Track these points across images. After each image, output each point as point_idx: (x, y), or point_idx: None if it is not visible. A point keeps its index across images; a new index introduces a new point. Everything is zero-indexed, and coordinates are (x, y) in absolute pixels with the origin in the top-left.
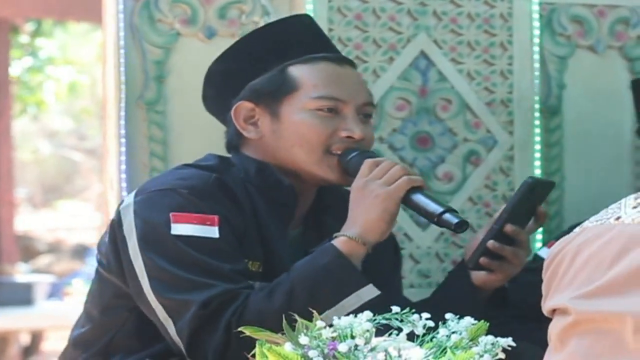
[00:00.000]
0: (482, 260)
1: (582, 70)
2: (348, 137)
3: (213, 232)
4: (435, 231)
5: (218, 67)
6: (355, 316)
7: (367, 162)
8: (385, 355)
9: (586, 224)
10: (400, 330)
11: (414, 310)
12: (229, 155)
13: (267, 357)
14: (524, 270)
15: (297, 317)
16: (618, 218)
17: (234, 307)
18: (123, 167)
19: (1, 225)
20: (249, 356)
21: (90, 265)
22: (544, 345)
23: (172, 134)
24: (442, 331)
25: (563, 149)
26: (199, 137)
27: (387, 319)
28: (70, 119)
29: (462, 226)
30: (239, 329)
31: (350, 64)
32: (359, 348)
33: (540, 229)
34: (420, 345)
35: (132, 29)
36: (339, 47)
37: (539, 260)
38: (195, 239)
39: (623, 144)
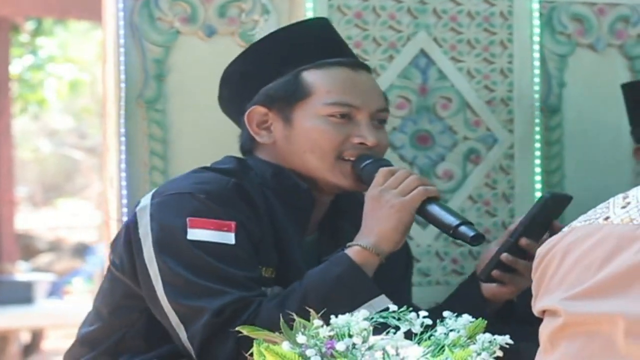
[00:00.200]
0: (495, 272)
1: (582, 69)
2: (361, 143)
3: (229, 238)
4: (435, 229)
5: (234, 69)
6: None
7: (382, 171)
8: (383, 354)
9: (574, 223)
10: (397, 328)
11: None
12: (245, 158)
13: (264, 356)
14: None
15: (294, 316)
16: (607, 218)
17: (246, 316)
18: (123, 165)
19: (1, 223)
20: (247, 355)
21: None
22: None
23: (171, 133)
24: (440, 329)
25: (563, 147)
26: (198, 135)
27: (384, 318)
28: (70, 118)
29: (478, 239)
30: (237, 328)
31: (366, 68)
32: (356, 347)
33: None
34: (418, 343)
35: (132, 28)
36: None
37: None
38: (211, 244)
39: (623, 142)
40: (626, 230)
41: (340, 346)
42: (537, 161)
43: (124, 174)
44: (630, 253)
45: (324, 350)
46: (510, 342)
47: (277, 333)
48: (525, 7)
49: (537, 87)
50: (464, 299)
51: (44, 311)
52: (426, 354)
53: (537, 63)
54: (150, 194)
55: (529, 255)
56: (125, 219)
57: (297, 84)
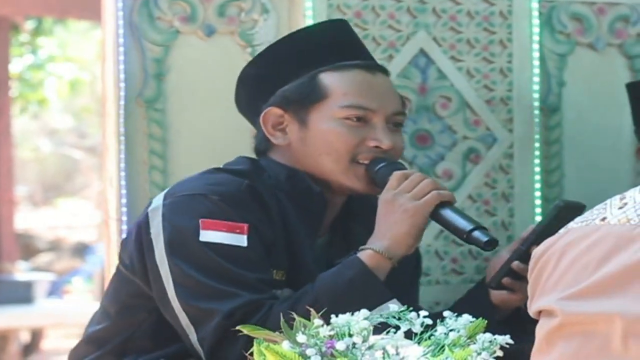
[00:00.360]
0: (505, 280)
1: (582, 68)
2: (376, 146)
3: (242, 240)
4: (434, 229)
5: (251, 69)
6: (353, 314)
7: (396, 175)
8: (383, 353)
9: (571, 224)
10: (397, 328)
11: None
12: (258, 159)
13: (265, 355)
14: None
15: (295, 315)
16: (604, 219)
17: (257, 318)
18: (122, 164)
19: (1, 223)
20: (247, 355)
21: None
22: None
23: (171, 132)
24: (440, 329)
25: (563, 147)
26: (198, 134)
27: (384, 317)
28: (70, 117)
29: (492, 244)
30: (237, 327)
31: (383, 71)
32: (356, 346)
33: None
34: (418, 343)
35: (132, 27)
36: None
37: None
38: (223, 246)
39: (623, 141)
40: (623, 231)
41: (340, 345)
42: (537, 160)
43: (123, 174)
44: (628, 253)
45: (324, 349)
46: (511, 341)
47: (277, 332)
48: (524, 7)
49: (536, 87)
50: (472, 305)
51: (43, 311)
52: (426, 353)
53: (536, 62)
54: (163, 194)
55: None
56: (125, 218)
57: (313, 85)
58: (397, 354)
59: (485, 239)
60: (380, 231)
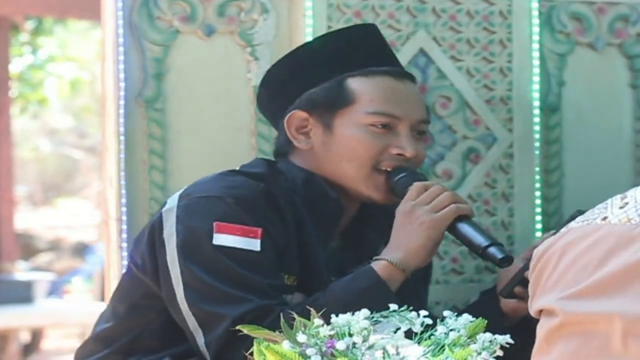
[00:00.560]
0: (516, 289)
1: (582, 68)
2: (399, 154)
3: (255, 244)
4: None
5: (276, 71)
6: (353, 314)
7: (416, 186)
8: (383, 353)
9: (572, 224)
10: (398, 327)
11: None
12: (275, 160)
13: (265, 355)
14: None
15: (295, 315)
16: (605, 218)
17: (266, 324)
18: (122, 164)
19: (1, 223)
20: (247, 355)
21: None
22: None
23: (171, 132)
24: (440, 329)
25: (562, 147)
26: (198, 134)
27: (385, 317)
28: (70, 117)
29: (507, 261)
30: (237, 327)
31: (410, 78)
32: (356, 346)
33: (539, 226)
34: (419, 342)
35: (131, 27)
36: None
37: None
38: (236, 250)
39: (623, 141)
40: (624, 230)
41: (340, 345)
42: (537, 160)
43: (123, 173)
44: (628, 253)
45: (324, 349)
46: (511, 341)
47: (277, 332)
48: (524, 6)
49: (536, 86)
50: (481, 312)
51: (43, 310)
52: (426, 353)
53: (536, 62)
54: (178, 194)
55: None
56: (124, 218)
57: (341, 90)
58: (398, 353)
59: (500, 256)
60: (395, 242)
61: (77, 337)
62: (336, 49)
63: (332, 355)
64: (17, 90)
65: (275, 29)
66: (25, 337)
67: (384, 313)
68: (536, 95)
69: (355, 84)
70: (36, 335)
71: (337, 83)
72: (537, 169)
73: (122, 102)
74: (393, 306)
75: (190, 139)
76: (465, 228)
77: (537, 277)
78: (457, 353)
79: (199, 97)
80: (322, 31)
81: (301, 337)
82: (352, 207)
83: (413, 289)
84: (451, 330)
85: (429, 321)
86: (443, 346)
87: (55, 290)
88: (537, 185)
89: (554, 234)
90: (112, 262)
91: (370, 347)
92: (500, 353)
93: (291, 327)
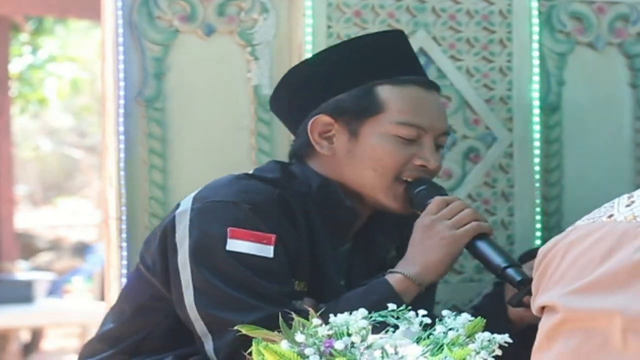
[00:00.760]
0: (526, 298)
1: (582, 67)
2: (422, 165)
3: (268, 251)
4: None
5: (301, 72)
6: (351, 314)
7: (437, 200)
8: (382, 353)
9: (579, 222)
10: (396, 327)
11: None
12: (289, 162)
13: (263, 355)
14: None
15: (293, 315)
16: (610, 216)
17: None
18: (122, 164)
19: (1, 222)
20: (247, 355)
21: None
22: None
23: (171, 131)
24: (439, 328)
25: (562, 146)
26: (197, 134)
27: (383, 317)
28: (70, 116)
29: (525, 283)
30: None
31: (437, 89)
32: (355, 345)
33: (539, 226)
34: (417, 342)
35: (131, 26)
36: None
37: None
38: (249, 257)
39: (623, 140)
40: (629, 227)
41: (338, 345)
42: (537, 160)
43: (123, 173)
44: (630, 250)
45: (322, 349)
46: (510, 340)
47: (275, 332)
48: (524, 6)
49: (536, 86)
50: (489, 318)
51: (43, 310)
52: (425, 352)
53: (536, 61)
54: (191, 197)
55: None
56: (124, 217)
57: (370, 98)
58: (396, 353)
59: (519, 278)
60: (413, 255)
61: (78, 336)
62: (365, 55)
63: (331, 355)
64: (17, 90)
65: (275, 28)
66: (25, 336)
67: (382, 313)
68: (536, 94)
69: (385, 92)
70: (36, 334)
71: (366, 91)
72: (537, 168)
73: (122, 101)
74: (392, 306)
75: (190, 139)
76: (484, 247)
77: (541, 274)
78: (455, 352)
79: (199, 97)
80: (322, 31)
81: (299, 337)
82: (365, 213)
83: (424, 296)
84: (450, 329)
85: (428, 320)
86: (442, 345)
87: (55, 289)
88: (537, 184)
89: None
90: (112, 262)
91: (368, 347)
92: (499, 352)
93: (290, 326)
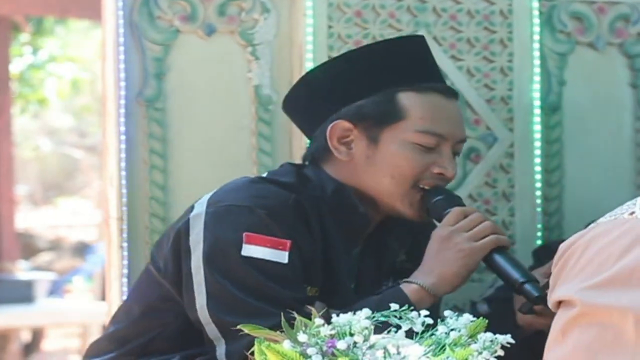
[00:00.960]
0: (537, 306)
1: (582, 67)
2: (439, 173)
3: (283, 257)
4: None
5: (320, 75)
6: (354, 314)
7: (455, 211)
8: (384, 353)
9: (601, 219)
10: (399, 327)
11: None
12: (303, 164)
13: (266, 354)
14: None
15: (295, 314)
16: (632, 213)
17: None
18: (123, 164)
19: (1, 222)
20: (248, 354)
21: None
22: None
23: (171, 131)
24: (441, 328)
25: (563, 146)
26: (198, 134)
27: (385, 317)
28: (70, 116)
29: (543, 300)
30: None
31: (456, 96)
32: (357, 345)
33: (540, 226)
34: (419, 342)
35: (132, 26)
36: (338, 44)
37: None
38: (264, 262)
39: (623, 140)
40: None
41: (341, 345)
42: (537, 160)
43: (124, 173)
44: None
45: (325, 348)
46: (512, 341)
47: (278, 332)
48: (525, 6)
49: (537, 86)
50: (497, 323)
51: (44, 310)
52: (427, 353)
53: (537, 61)
54: (206, 200)
55: None
56: (125, 217)
57: (391, 105)
58: (398, 353)
59: (536, 294)
60: (429, 266)
61: (78, 336)
62: (386, 61)
63: (333, 354)
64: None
65: (276, 28)
66: (26, 336)
67: (385, 312)
68: (537, 94)
69: (407, 99)
70: (37, 334)
71: (388, 97)
72: (538, 168)
73: (122, 101)
74: (394, 306)
75: (190, 139)
76: (501, 260)
77: (559, 269)
78: (458, 353)
79: (200, 97)
80: (323, 31)
81: (302, 337)
82: (377, 219)
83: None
84: (452, 329)
85: (430, 321)
86: (444, 346)
87: (56, 289)
88: (538, 184)
89: None
90: (112, 262)
91: (371, 347)
92: (501, 353)
93: (292, 326)
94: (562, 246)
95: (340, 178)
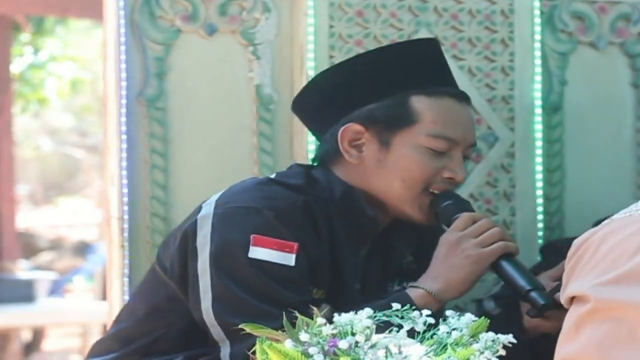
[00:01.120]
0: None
1: (584, 67)
2: (450, 178)
3: (290, 259)
4: None
5: (332, 76)
6: (356, 313)
7: (465, 216)
8: (386, 352)
9: (615, 216)
10: (400, 327)
11: None
12: (312, 165)
13: (267, 354)
14: None
15: (297, 314)
16: None
17: None
18: (124, 163)
19: (2, 222)
20: (250, 354)
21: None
22: None
23: (172, 131)
24: (443, 328)
25: (564, 146)
26: (199, 133)
27: (387, 316)
28: (71, 116)
29: (548, 308)
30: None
31: (468, 100)
32: (359, 345)
33: (541, 225)
34: (421, 342)
35: (133, 26)
36: (339, 44)
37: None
38: (270, 264)
39: (624, 140)
40: None
41: (343, 344)
42: (538, 159)
43: (124, 172)
44: None
45: (326, 348)
46: (514, 340)
47: (280, 331)
48: (526, 5)
49: (538, 85)
50: (504, 326)
51: (45, 310)
52: (429, 352)
53: (538, 61)
54: (213, 201)
55: None
56: (126, 217)
57: (404, 109)
58: (400, 352)
59: (542, 302)
60: (436, 271)
61: (79, 336)
62: (399, 64)
63: (335, 354)
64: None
65: (277, 28)
66: (26, 336)
67: (386, 312)
68: (538, 94)
69: (419, 103)
70: (37, 334)
71: (400, 101)
72: (539, 168)
73: (123, 101)
74: (396, 305)
75: (191, 138)
76: (509, 267)
77: (573, 264)
78: (459, 352)
79: (201, 96)
80: (324, 30)
81: (304, 336)
82: (386, 221)
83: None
84: (453, 329)
85: (432, 320)
86: (445, 345)
87: (56, 289)
88: (539, 184)
89: None
90: (113, 261)
91: (372, 346)
92: (502, 352)
93: (294, 326)
94: (575, 242)
95: (350, 181)
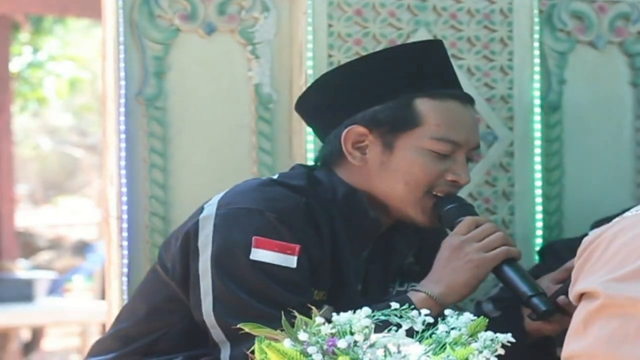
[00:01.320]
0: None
1: (583, 66)
2: (453, 181)
3: (291, 261)
4: None
5: (337, 77)
6: (354, 312)
7: (468, 220)
8: (385, 352)
9: (626, 214)
10: (399, 326)
11: None
12: (314, 166)
13: (266, 353)
14: None
15: (295, 313)
16: None
17: None
18: (123, 163)
19: (2, 221)
20: (249, 353)
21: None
22: None
23: (171, 130)
24: (442, 327)
25: (563, 145)
26: (198, 132)
27: (386, 315)
28: (70, 115)
29: (550, 314)
30: (238, 325)
31: (472, 103)
32: (358, 344)
33: (540, 225)
34: (420, 341)
35: (132, 25)
36: (338, 43)
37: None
38: (272, 266)
39: (623, 139)
40: None
41: (341, 343)
42: (537, 158)
43: (124, 172)
44: None
45: (325, 347)
46: (513, 340)
47: (278, 330)
48: (525, 4)
49: (537, 85)
50: (505, 329)
51: (44, 309)
52: (427, 352)
53: (537, 60)
54: (215, 202)
55: None
56: (125, 216)
57: (408, 112)
58: (399, 352)
59: (544, 308)
60: (437, 275)
61: (78, 335)
62: (404, 66)
63: (334, 353)
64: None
65: (276, 27)
66: (25, 335)
67: (386, 311)
68: (537, 93)
69: (423, 106)
70: (37, 333)
71: (404, 104)
72: (538, 167)
73: (122, 100)
74: (394, 305)
75: (190, 137)
76: (511, 272)
77: (583, 262)
78: (458, 351)
79: (200, 96)
80: (323, 29)
81: (302, 336)
82: (388, 223)
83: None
84: (452, 328)
85: (430, 319)
86: (444, 345)
87: (55, 288)
88: (538, 183)
89: None
90: (112, 261)
91: (371, 346)
92: (501, 352)
93: (292, 325)
94: (585, 239)
95: (353, 182)
